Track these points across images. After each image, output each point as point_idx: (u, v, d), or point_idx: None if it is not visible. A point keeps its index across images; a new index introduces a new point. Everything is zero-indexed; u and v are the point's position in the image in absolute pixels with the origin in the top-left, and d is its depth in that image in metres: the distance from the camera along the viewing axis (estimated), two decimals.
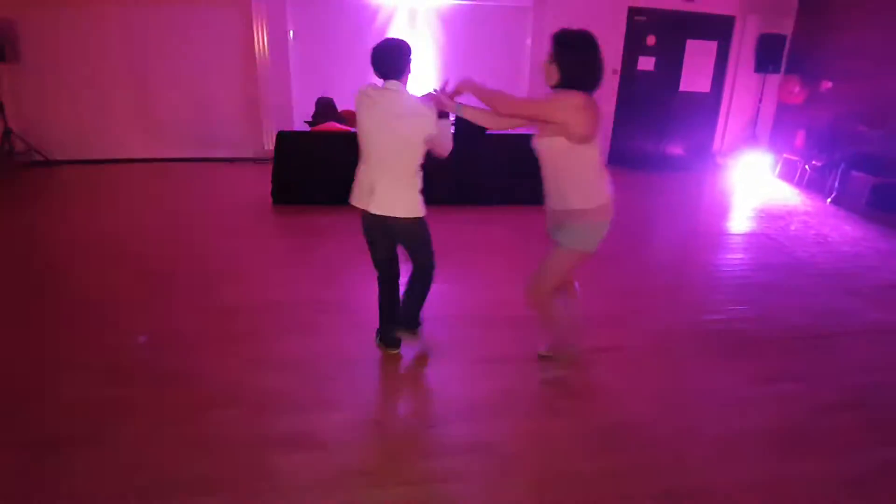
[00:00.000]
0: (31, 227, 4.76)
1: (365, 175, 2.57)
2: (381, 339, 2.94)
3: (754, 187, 7.02)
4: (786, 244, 4.95)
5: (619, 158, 7.73)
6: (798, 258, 4.63)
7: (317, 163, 5.34)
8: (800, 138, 7.34)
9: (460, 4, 7.16)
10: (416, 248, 2.70)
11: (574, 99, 2.21)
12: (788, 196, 6.65)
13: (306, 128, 6.02)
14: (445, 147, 2.56)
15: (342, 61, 6.99)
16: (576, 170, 2.35)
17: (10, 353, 2.87)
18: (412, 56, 2.51)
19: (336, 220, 4.93)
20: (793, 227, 5.43)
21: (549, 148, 2.33)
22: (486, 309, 3.46)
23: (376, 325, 2.94)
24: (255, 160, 7.13)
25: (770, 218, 5.73)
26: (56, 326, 3.14)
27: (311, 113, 6.27)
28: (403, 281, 2.86)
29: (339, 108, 6.26)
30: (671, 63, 7.74)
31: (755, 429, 2.49)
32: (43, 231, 4.70)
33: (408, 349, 2.94)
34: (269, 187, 5.43)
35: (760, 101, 7.95)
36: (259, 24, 6.75)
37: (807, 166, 6.97)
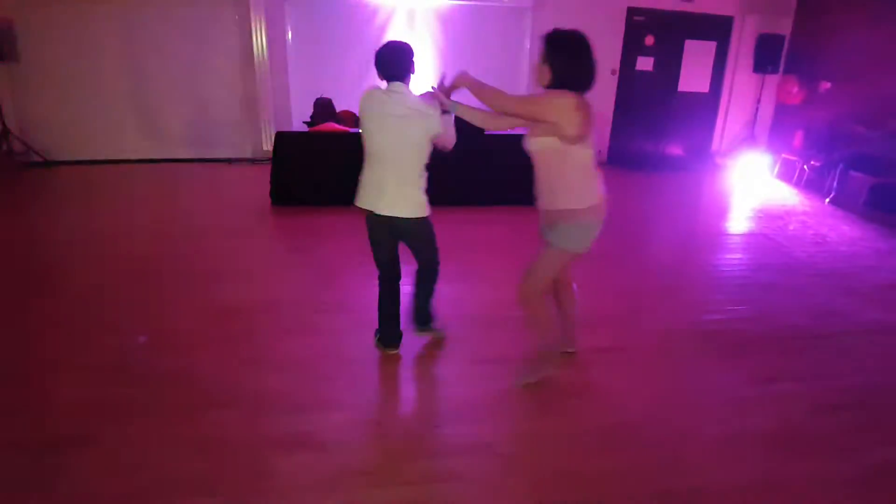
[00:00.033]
0: (29, 228, 4.75)
1: (372, 177, 2.58)
2: (379, 340, 2.94)
3: (753, 187, 7.03)
4: (784, 244, 4.96)
5: (618, 159, 7.72)
6: (797, 258, 4.64)
7: (316, 163, 5.34)
8: (798, 138, 7.36)
9: (459, 5, 7.15)
10: (421, 247, 2.75)
11: (566, 99, 2.20)
12: (787, 196, 6.67)
13: (305, 128, 6.01)
14: (450, 141, 2.61)
15: (341, 62, 6.95)
16: (568, 170, 2.34)
17: (10, 353, 2.87)
18: (415, 58, 2.54)
19: (335, 221, 4.94)
20: (791, 227, 5.44)
21: (540, 148, 2.33)
22: (486, 309, 3.47)
23: (376, 325, 2.94)
24: (253, 161, 7.13)
25: (768, 218, 5.74)
26: (56, 326, 3.14)
27: (310, 113, 6.26)
28: (403, 281, 2.87)
29: (338, 108, 6.25)
30: (670, 63, 7.76)
31: (754, 428, 2.50)
32: (41, 232, 4.69)
33: (407, 349, 2.95)
34: (268, 188, 5.43)
35: (759, 101, 7.97)
36: (258, 24, 6.75)
37: (805, 166, 6.99)
